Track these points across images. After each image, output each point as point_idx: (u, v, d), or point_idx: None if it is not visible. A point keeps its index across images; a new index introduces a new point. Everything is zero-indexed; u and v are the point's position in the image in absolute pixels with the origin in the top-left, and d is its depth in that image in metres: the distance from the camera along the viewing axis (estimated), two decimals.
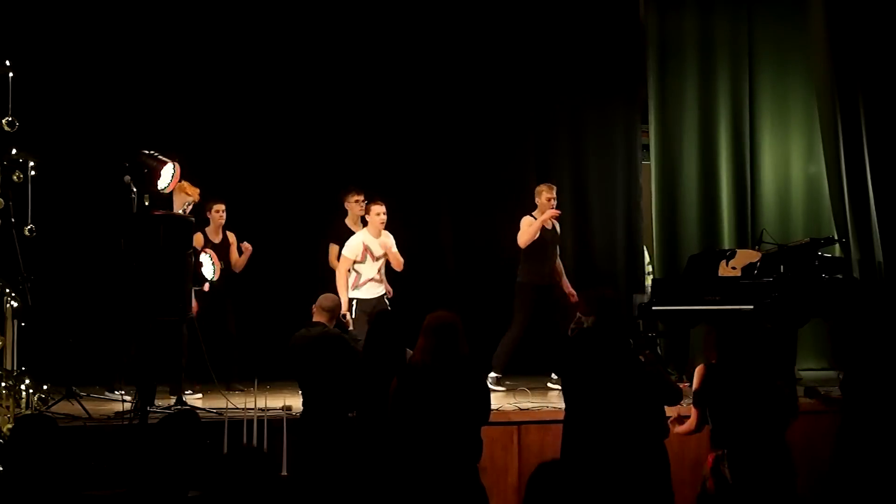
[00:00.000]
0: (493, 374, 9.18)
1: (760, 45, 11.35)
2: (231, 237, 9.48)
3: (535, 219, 9.37)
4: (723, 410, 5.87)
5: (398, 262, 9.05)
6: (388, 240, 9.01)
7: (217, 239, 9.32)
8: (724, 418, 5.86)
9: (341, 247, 9.03)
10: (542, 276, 9.37)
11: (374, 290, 8.94)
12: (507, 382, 9.50)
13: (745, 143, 11.29)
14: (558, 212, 9.47)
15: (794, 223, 11.06)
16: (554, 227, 9.51)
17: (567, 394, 5.96)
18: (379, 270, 8.95)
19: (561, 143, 11.57)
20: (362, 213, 9.25)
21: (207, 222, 9.31)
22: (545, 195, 9.39)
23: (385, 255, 8.96)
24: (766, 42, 11.33)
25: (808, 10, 10.49)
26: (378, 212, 8.89)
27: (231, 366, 9.30)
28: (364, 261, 8.89)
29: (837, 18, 10.09)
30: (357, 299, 8.84)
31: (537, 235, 9.32)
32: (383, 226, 8.94)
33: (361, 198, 9.29)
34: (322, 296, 7.11)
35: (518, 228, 9.46)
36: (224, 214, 9.35)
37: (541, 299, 9.33)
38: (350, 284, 8.91)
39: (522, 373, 9.66)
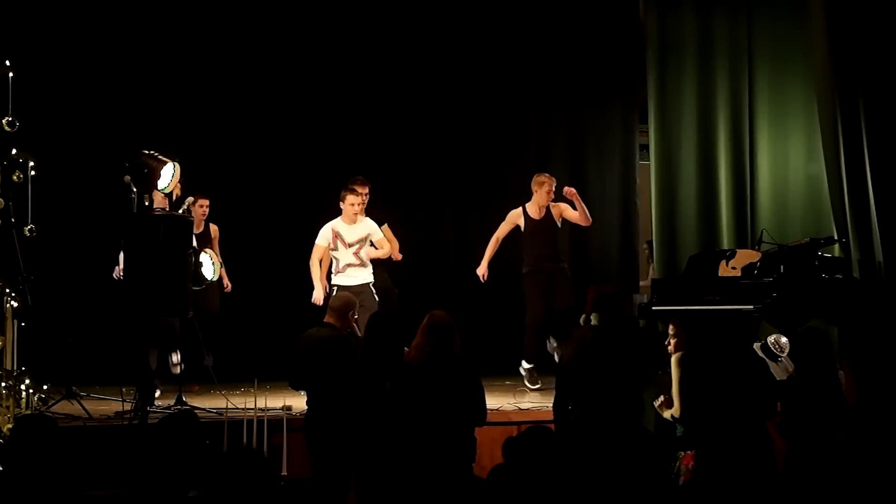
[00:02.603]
0: (525, 366, 9.31)
1: (760, 44, 11.32)
2: (214, 230, 9.50)
3: (525, 211, 9.44)
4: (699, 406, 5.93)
5: (391, 251, 9.17)
6: (368, 227, 9.07)
7: (198, 230, 9.33)
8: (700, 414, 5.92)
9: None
10: (538, 263, 9.42)
11: (357, 275, 8.98)
12: (507, 382, 9.51)
13: (745, 142, 11.26)
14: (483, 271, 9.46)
15: (793, 223, 11.03)
16: (547, 214, 9.48)
17: (565, 388, 5.98)
18: (356, 254, 8.99)
19: (560, 142, 11.60)
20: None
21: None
22: (546, 187, 9.43)
23: (362, 240, 9.01)
24: (766, 42, 11.31)
25: (808, 9, 10.47)
26: (352, 202, 8.98)
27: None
28: (336, 248, 8.99)
29: (837, 18, 10.07)
30: (338, 286, 8.89)
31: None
32: (356, 215, 9.02)
33: (364, 190, 9.25)
34: (334, 296, 7.11)
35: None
36: (207, 210, 9.39)
37: (542, 284, 9.36)
38: (333, 271, 9.03)
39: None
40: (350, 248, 9.00)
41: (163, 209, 7.69)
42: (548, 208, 9.50)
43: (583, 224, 9.59)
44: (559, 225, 9.59)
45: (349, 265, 8.99)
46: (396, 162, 10.93)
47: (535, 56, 11.44)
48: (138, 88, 10.21)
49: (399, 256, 9.44)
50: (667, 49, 11.34)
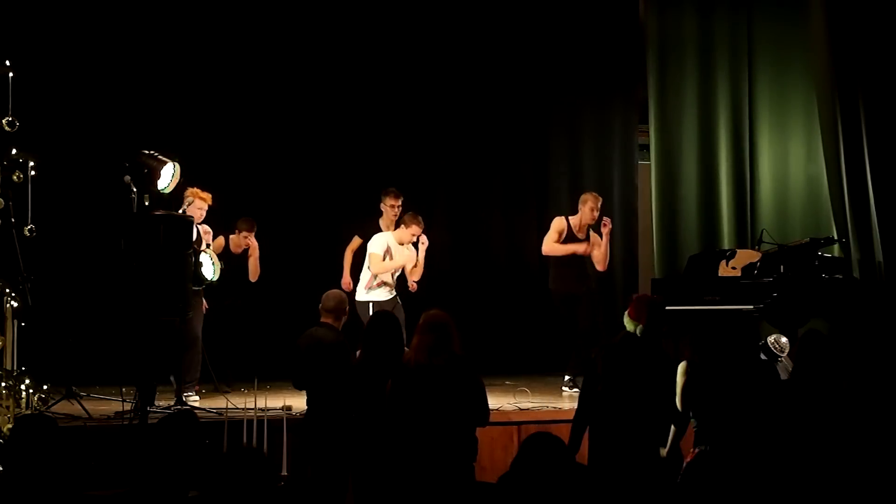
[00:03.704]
0: (566, 377, 9.25)
1: (760, 44, 11.34)
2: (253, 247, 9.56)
3: (567, 222, 9.34)
4: (707, 409, 5.92)
5: (419, 272, 9.24)
6: (413, 256, 9.15)
7: (238, 251, 9.45)
8: (708, 416, 5.92)
9: (364, 241, 9.20)
10: (567, 284, 9.32)
11: (387, 294, 9.05)
12: (507, 382, 9.51)
13: (745, 142, 11.29)
14: (588, 248, 9.27)
15: (793, 223, 11.05)
16: (587, 237, 9.36)
17: (603, 394, 6.02)
18: (393, 275, 9.07)
19: (560, 142, 11.59)
20: (395, 218, 9.30)
21: (233, 230, 9.46)
22: (589, 204, 9.30)
23: (402, 265, 9.10)
24: (766, 42, 11.33)
25: (808, 9, 10.49)
26: (415, 232, 9.03)
27: (227, 367, 9.34)
28: (384, 261, 9.01)
29: (837, 18, 10.08)
30: (372, 302, 8.88)
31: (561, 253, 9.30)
32: (411, 242, 9.10)
33: (398, 203, 9.30)
34: (324, 296, 7.09)
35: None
36: (250, 243, 9.45)
37: (570, 306, 9.33)
38: (364, 285, 9.02)
39: (523, 372, 9.66)
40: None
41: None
42: (589, 232, 9.37)
43: (598, 266, 9.39)
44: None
45: (384, 283, 9.02)
46: (392, 163, 10.88)
47: (535, 56, 11.42)
48: (138, 88, 10.19)
49: (414, 286, 9.31)
50: (667, 49, 11.36)
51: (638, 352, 6.05)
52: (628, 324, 6.20)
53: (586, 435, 6.24)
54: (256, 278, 9.50)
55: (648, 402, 5.95)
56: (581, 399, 6.35)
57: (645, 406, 5.94)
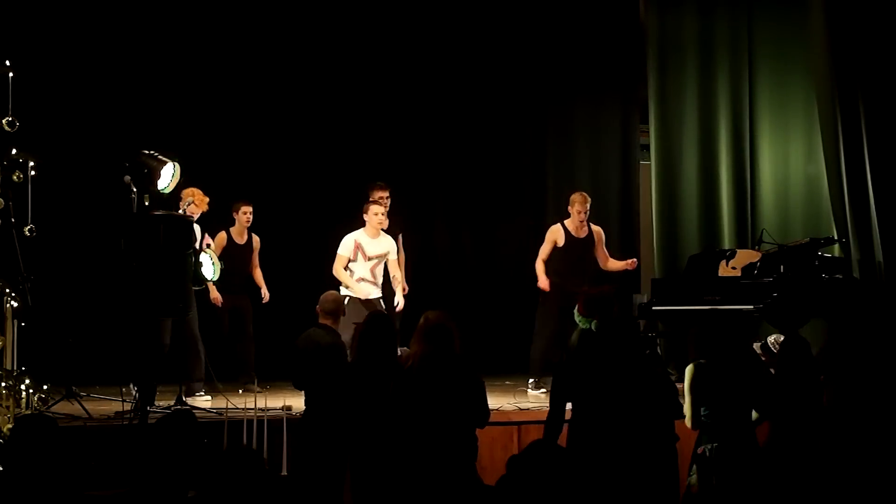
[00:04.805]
0: (530, 380, 9.15)
1: (760, 45, 11.35)
2: (256, 240, 9.56)
3: (564, 228, 9.25)
4: (714, 407, 5.89)
5: (398, 269, 9.08)
6: (389, 245, 8.98)
7: (242, 240, 9.42)
8: (714, 415, 5.89)
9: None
10: (562, 281, 9.12)
11: (368, 290, 8.84)
12: (507, 382, 9.51)
13: (746, 142, 11.29)
14: (545, 285, 9.17)
15: (793, 223, 11.05)
16: (589, 234, 9.30)
17: (574, 396, 5.86)
18: (372, 271, 8.89)
19: (560, 142, 11.60)
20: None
21: (233, 222, 9.41)
22: (577, 207, 9.20)
23: (381, 256, 8.93)
24: (766, 42, 11.33)
25: (808, 9, 10.49)
26: (376, 212, 8.86)
27: (246, 366, 9.36)
28: (356, 259, 8.85)
29: (837, 18, 10.09)
30: (348, 297, 8.76)
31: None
32: (381, 227, 8.91)
33: (385, 195, 9.16)
34: (322, 297, 7.09)
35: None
36: (251, 217, 9.43)
37: (564, 308, 9.24)
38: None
39: (523, 372, 9.65)
40: (369, 261, 8.85)
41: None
42: (590, 228, 9.30)
43: (600, 263, 9.35)
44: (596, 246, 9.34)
45: (363, 279, 8.85)
46: (389, 165, 10.85)
47: (535, 56, 11.43)
48: (138, 88, 10.20)
49: (405, 288, 9.18)
50: (667, 49, 11.37)
51: (604, 348, 5.80)
52: (581, 321, 6.08)
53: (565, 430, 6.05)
54: (260, 276, 9.54)
55: (621, 397, 5.71)
56: (552, 402, 5.97)
57: (633, 397, 5.70)
